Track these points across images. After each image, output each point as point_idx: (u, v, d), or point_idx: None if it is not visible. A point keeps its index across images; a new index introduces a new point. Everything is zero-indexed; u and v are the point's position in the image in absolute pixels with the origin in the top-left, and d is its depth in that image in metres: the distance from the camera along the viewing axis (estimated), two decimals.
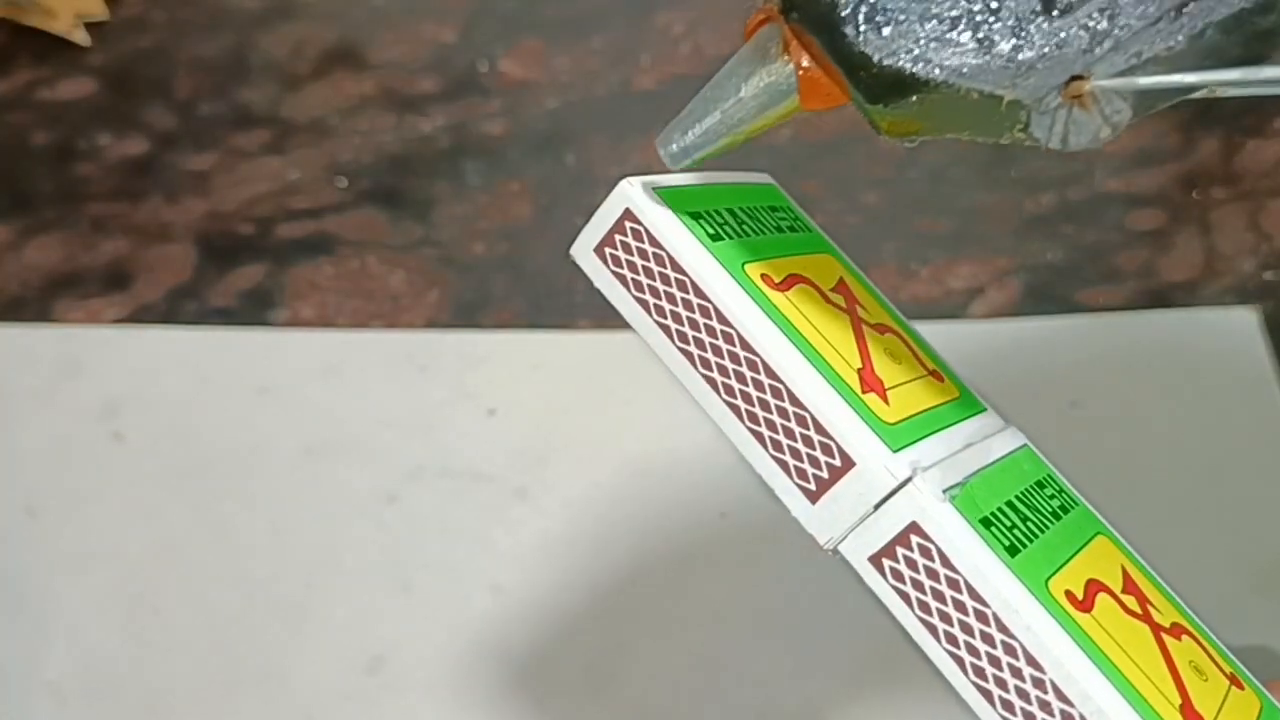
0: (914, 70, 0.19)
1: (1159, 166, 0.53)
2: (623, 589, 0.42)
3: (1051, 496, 0.24)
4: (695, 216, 0.24)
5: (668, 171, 0.23)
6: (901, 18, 0.19)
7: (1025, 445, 0.25)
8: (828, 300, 0.24)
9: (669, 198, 0.23)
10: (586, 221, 0.24)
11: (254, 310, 0.50)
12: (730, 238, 0.24)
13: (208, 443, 0.46)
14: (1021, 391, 0.47)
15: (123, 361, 0.48)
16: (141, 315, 0.50)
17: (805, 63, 0.21)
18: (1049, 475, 0.25)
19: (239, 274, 0.51)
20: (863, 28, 0.19)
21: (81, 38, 0.58)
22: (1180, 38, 0.18)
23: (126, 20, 0.60)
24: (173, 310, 0.50)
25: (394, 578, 0.43)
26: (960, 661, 0.21)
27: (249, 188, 0.54)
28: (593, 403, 0.47)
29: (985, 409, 0.25)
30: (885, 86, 0.19)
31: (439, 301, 0.50)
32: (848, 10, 0.19)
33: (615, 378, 0.47)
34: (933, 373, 0.25)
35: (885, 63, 0.19)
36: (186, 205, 0.53)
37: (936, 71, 0.19)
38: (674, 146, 0.22)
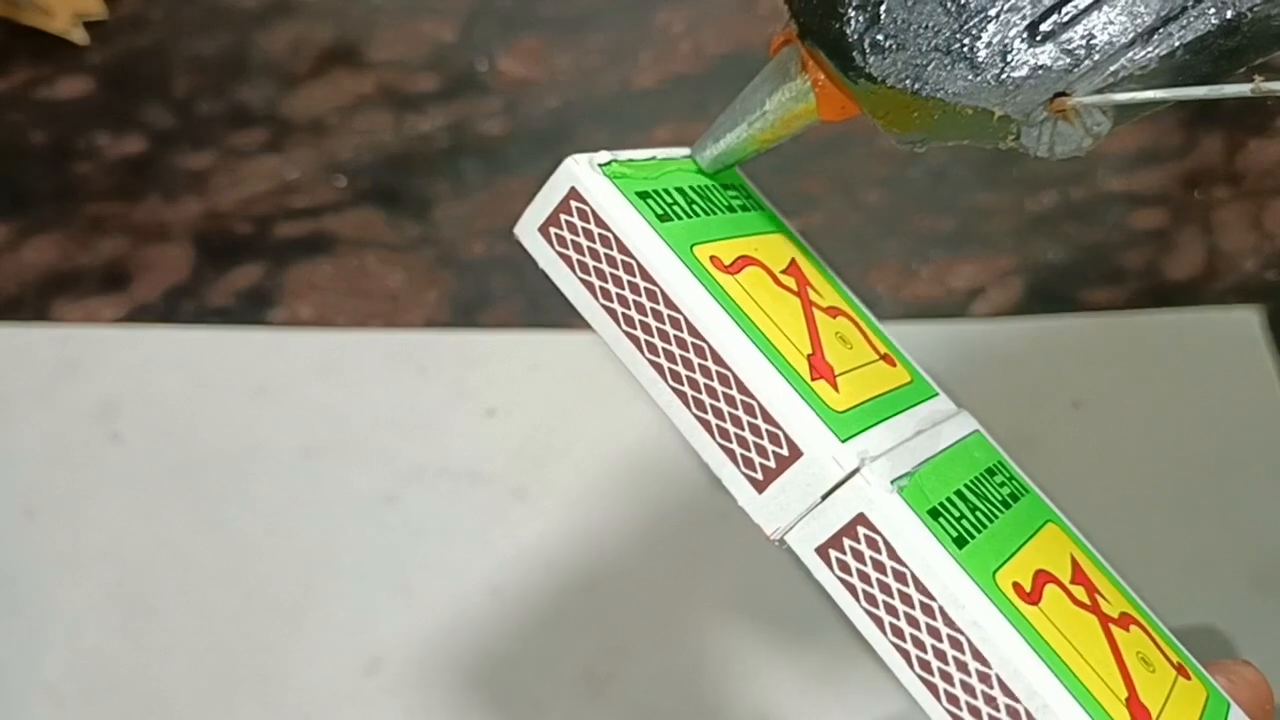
0: (915, 89, 0.21)
1: (1161, 166, 0.53)
2: (623, 590, 0.42)
3: (1002, 484, 0.24)
4: (643, 196, 0.23)
5: (623, 149, 0.24)
6: (902, 43, 0.21)
7: (977, 431, 0.25)
8: (779, 283, 0.24)
9: (617, 176, 0.23)
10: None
11: (252, 310, 0.50)
12: (679, 218, 0.23)
13: (206, 443, 0.46)
14: (1023, 391, 0.47)
15: (120, 361, 0.48)
16: (139, 315, 0.50)
17: (821, 79, 0.23)
18: (1000, 462, 0.25)
19: (237, 273, 0.51)
20: (868, 52, 0.21)
21: (80, 37, 0.58)
22: (1153, 58, 0.20)
23: (125, 19, 0.60)
24: (171, 310, 0.50)
25: (393, 578, 0.43)
26: (906, 654, 0.21)
27: (247, 187, 0.54)
28: (593, 403, 0.46)
29: (937, 393, 0.25)
30: (889, 102, 0.21)
31: (438, 301, 0.50)
32: (855, 37, 0.21)
33: (615, 378, 0.47)
34: (884, 356, 0.25)
35: (888, 83, 0.21)
36: (184, 204, 0.53)
37: (934, 90, 0.21)
38: (707, 153, 0.25)
